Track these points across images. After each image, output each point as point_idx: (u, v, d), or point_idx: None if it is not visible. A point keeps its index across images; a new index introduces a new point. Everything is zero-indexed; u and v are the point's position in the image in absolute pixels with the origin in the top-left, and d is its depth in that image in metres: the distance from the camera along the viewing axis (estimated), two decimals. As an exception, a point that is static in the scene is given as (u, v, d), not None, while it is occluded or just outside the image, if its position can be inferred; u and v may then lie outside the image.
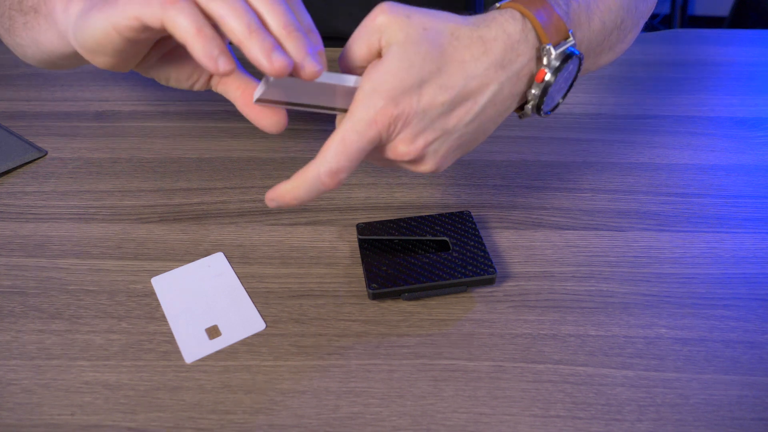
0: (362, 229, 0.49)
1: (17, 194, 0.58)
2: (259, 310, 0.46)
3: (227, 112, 0.70)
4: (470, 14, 0.41)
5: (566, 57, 0.40)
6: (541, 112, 0.43)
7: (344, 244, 0.52)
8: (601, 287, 0.48)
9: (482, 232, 0.52)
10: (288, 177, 0.42)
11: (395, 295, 0.45)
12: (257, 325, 0.45)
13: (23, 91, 0.74)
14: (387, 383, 0.41)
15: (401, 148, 0.40)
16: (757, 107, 0.70)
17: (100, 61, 0.38)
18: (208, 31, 0.33)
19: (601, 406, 0.40)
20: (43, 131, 0.66)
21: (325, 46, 0.41)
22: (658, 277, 0.49)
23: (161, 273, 0.49)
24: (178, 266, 0.49)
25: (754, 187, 0.58)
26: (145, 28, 0.35)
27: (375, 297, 0.45)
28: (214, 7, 0.33)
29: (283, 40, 0.35)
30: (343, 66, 0.41)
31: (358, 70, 0.40)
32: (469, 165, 0.60)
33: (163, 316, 0.46)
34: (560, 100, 0.44)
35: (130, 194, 0.57)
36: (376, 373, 0.42)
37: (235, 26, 0.33)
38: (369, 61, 0.39)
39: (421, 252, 0.47)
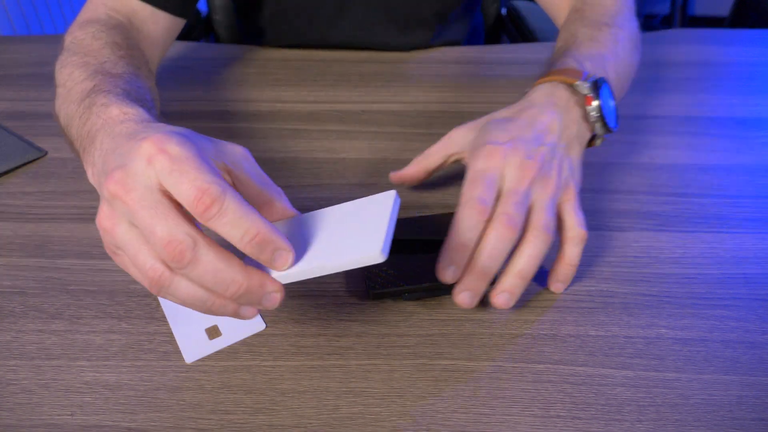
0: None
1: (17, 194, 0.58)
2: (259, 310, 0.46)
3: (227, 112, 0.70)
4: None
5: (595, 83, 0.49)
6: (611, 129, 0.50)
7: (344, 244, 0.51)
8: (601, 287, 0.48)
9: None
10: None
11: (395, 296, 0.45)
12: (257, 325, 0.45)
13: (23, 91, 0.74)
14: (387, 383, 0.41)
15: (498, 148, 0.46)
16: (757, 107, 0.70)
17: None
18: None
19: (601, 406, 0.40)
20: (43, 131, 0.66)
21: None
22: (658, 277, 0.49)
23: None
24: (178, 266, 0.49)
25: (754, 187, 0.58)
26: None
27: (375, 297, 0.45)
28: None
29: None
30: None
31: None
32: (469, 165, 0.60)
33: (163, 316, 0.46)
34: (613, 104, 0.52)
35: (130, 194, 0.57)
36: (376, 373, 0.42)
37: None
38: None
39: (421, 252, 0.47)
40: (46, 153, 0.63)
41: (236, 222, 0.33)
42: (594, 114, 0.49)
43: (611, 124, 0.50)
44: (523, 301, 0.47)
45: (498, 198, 0.43)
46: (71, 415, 0.39)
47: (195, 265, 0.33)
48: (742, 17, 1.72)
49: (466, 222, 0.41)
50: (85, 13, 0.63)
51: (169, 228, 0.33)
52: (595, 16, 0.61)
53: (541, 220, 0.43)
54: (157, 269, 0.34)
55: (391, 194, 0.37)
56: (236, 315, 0.36)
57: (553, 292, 0.47)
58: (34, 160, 0.62)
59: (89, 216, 0.55)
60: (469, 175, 0.44)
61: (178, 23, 0.68)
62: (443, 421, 0.39)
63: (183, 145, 0.33)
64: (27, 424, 0.39)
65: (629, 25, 0.61)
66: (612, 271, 0.49)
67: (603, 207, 0.55)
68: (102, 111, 0.43)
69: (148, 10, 0.64)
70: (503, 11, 1.17)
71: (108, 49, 0.56)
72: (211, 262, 0.33)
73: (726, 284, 0.48)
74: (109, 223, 0.35)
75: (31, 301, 0.47)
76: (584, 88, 0.49)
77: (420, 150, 0.54)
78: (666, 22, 2.44)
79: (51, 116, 0.67)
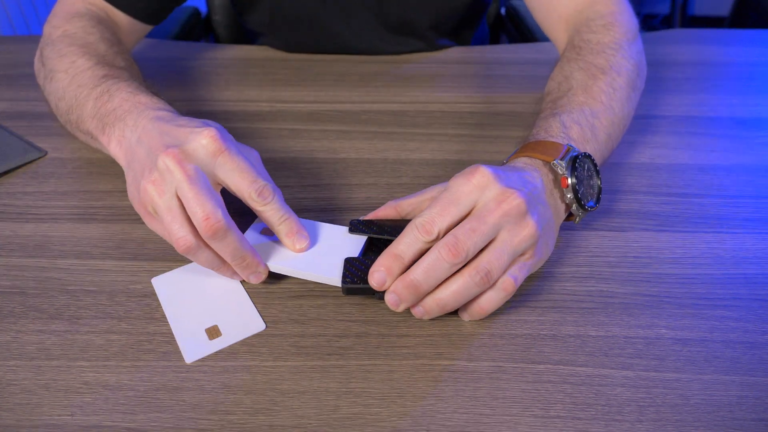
0: (355, 225, 0.48)
1: (17, 194, 0.58)
2: (259, 311, 0.46)
3: (227, 112, 0.70)
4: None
5: (573, 159, 0.47)
6: (587, 208, 0.48)
7: (344, 245, 0.51)
8: (601, 287, 0.48)
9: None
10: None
11: (367, 293, 0.44)
12: (257, 325, 0.45)
13: (23, 91, 0.74)
14: (387, 383, 0.41)
15: (510, 192, 0.42)
16: (757, 107, 0.70)
17: None
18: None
19: (601, 406, 0.40)
20: (43, 131, 0.66)
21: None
22: (658, 277, 0.49)
23: (161, 273, 0.49)
24: (178, 266, 0.49)
25: (754, 187, 0.58)
26: None
27: (348, 292, 0.45)
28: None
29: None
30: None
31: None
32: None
33: (163, 316, 0.46)
34: (599, 183, 0.50)
35: (130, 194, 0.57)
36: (376, 374, 0.42)
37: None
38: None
39: None
40: (46, 153, 0.63)
41: (278, 210, 0.46)
42: (569, 196, 0.47)
43: (588, 203, 0.48)
44: (523, 301, 0.47)
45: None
46: (71, 415, 0.39)
47: (221, 242, 0.43)
48: (742, 17, 1.72)
49: (407, 238, 0.41)
50: (64, 6, 0.66)
51: (211, 207, 0.42)
52: (592, 57, 0.58)
53: (488, 263, 0.41)
54: (189, 240, 0.42)
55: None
56: (230, 276, 0.47)
57: (552, 294, 0.47)
58: (34, 160, 0.62)
59: (89, 216, 0.55)
60: (444, 191, 0.42)
61: (145, 29, 0.72)
62: (443, 421, 0.39)
63: (232, 144, 0.45)
64: (27, 424, 0.39)
65: (628, 64, 0.59)
66: (612, 271, 0.49)
67: (603, 207, 0.55)
68: (130, 96, 0.51)
69: (120, 13, 0.69)
70: (503, 11, 1.17)
71: (104, 44, 0.61)
72: (233, 242, 0.43)
73: (726, 284, 0.48)
74: (156, 189, 0.43)
75: (31, 301, 0.47)
76: (560, 167, 0.46)
77: (419, 150, 0.54)
78: (666, 22, 2.44)
79: (51, 116, 0.67)
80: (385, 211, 0.49)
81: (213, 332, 0.44)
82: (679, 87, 0.74)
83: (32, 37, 0.89)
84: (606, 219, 0.54)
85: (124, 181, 0.50)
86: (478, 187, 0.42)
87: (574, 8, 0.66)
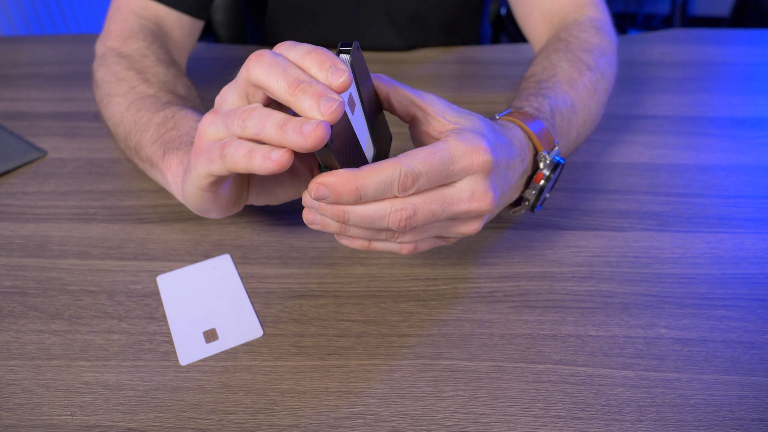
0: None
1: (17, 194, 0.58)
2: (259, 311, 0.46)
3: (227, 112, 0.70)
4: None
5: (555, 166, 0.46)
6: (534, 210, 0.48)
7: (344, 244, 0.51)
8: (601, 287, 0.48)
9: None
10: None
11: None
12: (255, 331, 0.45)
13: (23, 91, 0.74)
14: (387, 383, 0.41)
15: (488, 196, 0.39)
16: (757, 107, 0.70)
17: (213, 216, 0.43)
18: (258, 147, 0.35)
19: (601, 406, 0.40)
20: (43, 131, 0.66)
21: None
22: (658, 277, 0.49)
23: (162, 273, 0.49)
24: (178, 266, 0.49)
25: (754, 187, 0.58)
26: (220, 178, 0.38)
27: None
28: (254, 78, 0.34)
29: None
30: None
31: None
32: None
33: (163, 316, 0.46)
34: (547, 195, 0.49)
35: (130, 194, 0.57)
36: (376, 374, 0.42)
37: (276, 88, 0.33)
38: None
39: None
40: (46, 153, 0.63)
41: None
42: (532, 192, 0.46)
43: (538, 206, 0.48)
44: (524, 301, 0.47)
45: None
46: (71, 415, 0.39)
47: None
48: (742, 17, 1.72)
49: (381, 180, 0.35)
50: (116, 23, 0.63)
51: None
52: (580, 53, 0.57)
53: (414, 245, 0.40)
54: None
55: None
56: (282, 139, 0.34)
57: (552, 294, 0.47)
58: (34, 160, 0.62)
59: (89, 216, 0.55)
60: (445, 156, 0.37)
61: (198, 26, 0.69)
62: (443, 421, 0.39)
63: None
64: (27, 424, 0.39)
65: (611, 70, 0.59)
66: (612, 271, 0.49)
67: (603, 207, 0.55)
68: (196, 125, 0.50)
69: (172, 15, 0.66)
70: (503, 11, 1.17)
71: (162, 67, 0.59)
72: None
73: (726, 284, 0.48)
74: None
75: (31, 301, 0.47)
76: (545, 161, 0.45)
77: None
78: (666, 22, 2.44)
79: (51, 116, 0.67)
80: (378, 84, 0.40)
81: (210, 335, 0.44)
82: (679, 87, 0.74)
83: (32, 37, 0.89)
84: (606, 219, 0.54)
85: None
86: (471, 172, 0.38)
87: (559, 8, 0.65)
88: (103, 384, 0.41)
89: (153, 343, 0.44)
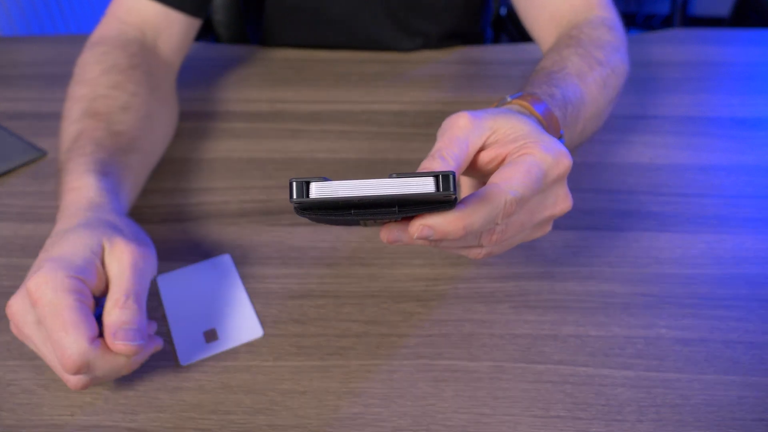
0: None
1: (17, 194, 0.58)
2: (259, 311, 0.46)
3: (227, 112, 0.70)
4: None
5: None
6: None
7: (344, 244, 0.51)
8: (602, 287, 0.48)
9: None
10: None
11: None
12: (255, 332, 0.45)
13: (23, 91, 0.74)
14: (387, 383, 0.41)
15: (568, 198, 0.40)
16: (757, 107, 0.70)
17: None
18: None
19: (602, 406, 0.40)
20: (43, 131, 0.66)
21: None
22: (659, 277, 0.49)
23: (162, 273, 0.49)
24: (179, 266, 0.49)
25: (754, 187, 0.58)
26: None
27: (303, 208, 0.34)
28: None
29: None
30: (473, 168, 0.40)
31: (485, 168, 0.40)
32: (470, 165, 0.60)
33: (164, 315, 0.46)
34: None
35: (130, 194, 0.57)
36: (376, 374, 0.42)
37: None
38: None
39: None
40: (46, 153, 0.63)
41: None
42: None
43: None
44: (524, 301, 0.47)
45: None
46: (71, 415, 0.39)
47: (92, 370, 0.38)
48: (742, 17, 1.72)
49: (489, 212, 0.34)
50: (99, 30, 0.63)
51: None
52: (591, 48, 0.56)
53: (506, 241, 0.38)
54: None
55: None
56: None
57: (552, 294, 0.47)
58: (34, 160, 0.62)
59: (89, 216, 0.55)
60: (530, 164, 0.36)
61: (194, 24, 0.67)
62: (443, 421, 0.39)
63: (56, 293, 0.37)
64: (27, 424, 0.39)
65: (623, 67, 0.58)
66: (612, 271, 0.49)
67: (603, 207, 0.55)
68: (68, 193, 0.48)
69: (162, 15, 0.64)
70: (503, 11, 1.17)
71: (105, 77, 0.57)
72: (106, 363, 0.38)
73: (726, 284, 0.48)
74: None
75: (31, 301, 0.47)
76: None
77: (419, 150, 0.54)
78: (666, 22, 2.44)
79: (51, 116, 0.67)
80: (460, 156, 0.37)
81: (210, 335, 0.44)
82: (679, 87, 0.74)
83: (32, 37, 0.89)
84: (606, 219, 0.54)
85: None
86: (558, 180, 0.38)
87: (568, 8, 0.65)
88: (103, 384, 0.41)
89: (153, 343, 0.44)
